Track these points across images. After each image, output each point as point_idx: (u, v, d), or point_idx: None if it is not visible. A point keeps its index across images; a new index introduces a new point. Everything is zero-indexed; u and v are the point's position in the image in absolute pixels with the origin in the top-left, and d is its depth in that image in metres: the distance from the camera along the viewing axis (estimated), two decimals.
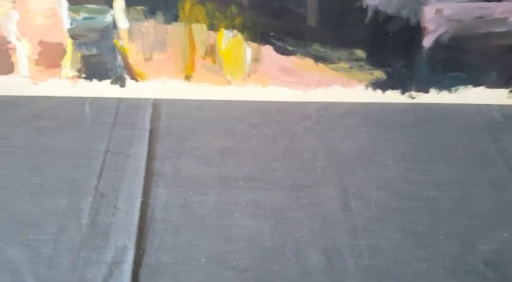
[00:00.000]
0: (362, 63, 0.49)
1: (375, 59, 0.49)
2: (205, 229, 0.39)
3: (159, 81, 0.49)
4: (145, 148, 0.45)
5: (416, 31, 0.47)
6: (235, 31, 0.47)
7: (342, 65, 0.49)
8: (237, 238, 0.38)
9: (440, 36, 0.48)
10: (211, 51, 0.48)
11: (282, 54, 0.48)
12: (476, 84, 0.50)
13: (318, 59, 0.48)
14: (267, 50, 0.48)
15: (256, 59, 0.48)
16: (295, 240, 0.38)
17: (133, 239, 0.38)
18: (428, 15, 0.46)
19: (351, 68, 0.49)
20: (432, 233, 0.39)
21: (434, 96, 0.51)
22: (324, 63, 0.48)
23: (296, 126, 0.48)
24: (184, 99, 0.50)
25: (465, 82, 0.50)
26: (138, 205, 0.40)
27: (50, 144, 0.45)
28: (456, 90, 0.51)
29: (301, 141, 0.47)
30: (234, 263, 0.37)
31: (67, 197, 0.41)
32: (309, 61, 0.48)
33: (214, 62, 0.48)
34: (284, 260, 0.37)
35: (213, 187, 0.42)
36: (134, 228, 0.38)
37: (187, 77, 0.49)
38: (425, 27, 0.47)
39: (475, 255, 0.37)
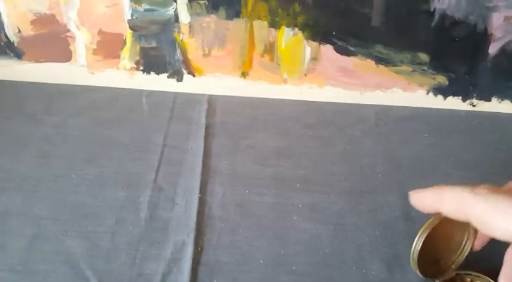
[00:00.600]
0: (425, 67, 0.47)
1: (438, 64, 0.47)
2: (263, 230, 0.38)
3: (215, 77, 0.49)
4: (201, 144, 0.44)
5: (483, 37, 0.45)
6: (296, 29, 0.46)
7: (404, 68, 0.47)
8: (295, 241, 0.38)
9: (507, 44, 0.46)
10: (270, 49, 0.47)
11: (342, 54, 0.47)
12: None
13: (379, 60, 0.47)
14: (327, 50, 0.47)
15: (315, 58, 0.47)
16: (356, 248, 0.37)
17: (192, 236, 0.37)
18: (497, 22, 0.45)
19: (413, 71, 0.47)
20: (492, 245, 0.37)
21: (496, 105, 0.49)
22: (386, 66, 0.47)
23: (353, 129, 0.47)
24: (240, 96, 0.49)
25: None
26: (196, 201, 0.39)
27: (107, 135, 0.45)
28: None
29: (360, 145, 0.45)
30: (293, 267, 0.36)
31: (125, 190, 0.40)
32: (370, 62, 0.47)
33: (272, 59, 0.48)
34: (345, 267, 0.36)
35: (270, 187, 0.41)
36: (193, 225, 0.38)
37: (244, 74, 0.48)
38: (492, 34, 0.45)
39: None
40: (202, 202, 0.40)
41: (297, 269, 0.36)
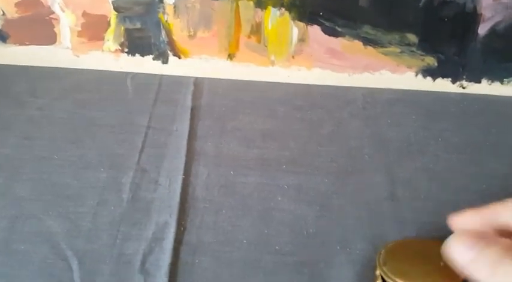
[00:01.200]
0: (413, 49, 0.46)
1: (427, 45, 0.46)
2: (247, 210, 0.38)
3: (201, 59, 0.48)
4: (186, 126, 0.44)
5: (472, 18, 0.45)
6: (283, 9, 0.45)
7: (392, 49, 0.47)
8: (279, 222, 0.37)
9: (497, 24, 0.45)
10: (256, 29, 0.46)
11: (330, 35, 0.46)
12: None
13: (367, 41, 0.46)
14: (315, 31, 0.46)
15: (302, 40, 0.47)
16: (340, 228, 0.37)
17: (175, 216, 0.37)
18: (486, 2, 0.44)
19: (401, 52, 0.47)
20: None
21: (486, 87, 0.48)
22: (374, 47, 0.46)
23: (341, 112, 0.46)
24: (226, 79, 0.49)
25: None
26: (179, 182, 0.39)
27: (91, 117, 0.45)
28: (509, 82, 0.48)
29: (347, 127, 0.45)
30: (277, 247, 0.36)
31: (108, 171, 0.40)
32: (358, 44, 0.46)
33: (259, 41, 0.47)
34: (328, 247, 0.36)
35: (255, 169, 0.41)
36: (176, 205, 0.37)
37: (231, 56, 0.48)
38: (481, 14, 0.45)
39: None
40: (186, 183, 0.39)
41: (280, 249, 0.35)
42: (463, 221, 0.29)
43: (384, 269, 0.30)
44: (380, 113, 0.46)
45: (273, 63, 0.48)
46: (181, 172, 0.40)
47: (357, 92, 0.48)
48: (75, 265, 0.34)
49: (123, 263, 0.34)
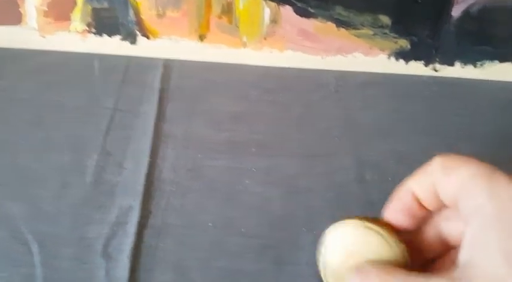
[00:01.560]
0: (386, 31, 0.46)
1: (400, 27, 0.46)
2: (214, 193, 0.37)
3: (171, 40, 0.47)
4: (154, 108, 0.43)
5: None
6: None
7: (365, 31, 0.46)
8: (246, 204, 0.37)
9: (470, 6, 0.45)
10: (228, 9, 0.45)
11: (302, 16, 0.45)
12: (502, 60, 0.48)
13: (340, 23, 0.45)
14: (287, 11, 0.45)
15: (274, 21, 0.46)
16: (307, 210, 0.37)
17: (139, 200, 0.36)
18: None
19: (374, 35, 0.46)
20: None
21: (459, 70, 0.48)
22: (346, 29, 0.46)
23: (313, 95, 0.46)
24: (197, 61, 0.48)
25: (492, 57, 0.47)
26: (145, 165, 0.38)
27: (56, 99, 0.43)
28: (482, 65, 0.48)
29: (318, 110, 0.44)
30: (243, 229, 0.35)
31: (72, 154, 0.39)
32: (331, 25, 0.46)
33: (230, 21, 0.46)
34: (294, 229, 0.35)
35: (224, 152, 0.40)
36: (140, 189, 0.37)
37: (201, 37, 0.47)
38: None
39: None
40: (152, 166, 0.39)
41: (246, 231, 0.35)
42: (391, 211, 0.27)
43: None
44: (352, 96, 0.46)
45: (244, 44, 0.47)
46: (148, 155, 0.39)
47: (329, 75, 0.48)
48: (35, 249, 0.34)
49: (85, 246, 0.34)
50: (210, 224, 0.35)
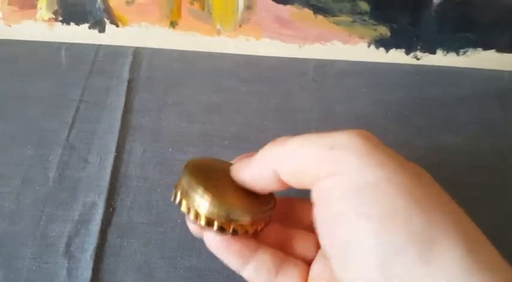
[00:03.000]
0: (366, 17, 0.44)
1: (379, 13, 0.44)
2: None
3: (141, 28, 0.45)
4: (122, 99, 0.41)
5: None
6: None
7: (343, 18, 0.44)
8: None
9: None
10: None
11: (278, 2, 0.43)
12: (486, 47, 0.46)
13: (317, 10, 0.44)
14: None
15: (249, 7, 0.44)
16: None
17: (104, 196, 0.34)
18: None
19: (353, 22, 0.44)
20: None
21: (441, 59, 0.47)
22: (325, 16, 0.44)
23: (290, 85, 0.44)
24: (168, 49, 0.46)
25: (474, 44, 0.46)
26: (111, 160, 0.37)
27: (19, 91, 0.41)
28: (464, 52, 0.46)
29: (295, 101, 0.43)
30: None
31: (34, 148, 0.37)
32: (308, 12, 0.44)
33: (202, 8, 0.44)
34: None
35: (196, 145, 0.39)
36: (105, 185, 0.35)
37: (173, 24, 0.45)
38: None
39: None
40: (118, 161, 0.37)
41: None
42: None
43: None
44: (330, 86, 0.44)
45: (218, 32, 0.45)
46: (114, 149, 0.37)
47: (307, 63, 0.46)
48: None
49: (47, 245, 0.32)
50: (179, 221, 0.34)
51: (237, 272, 0.26)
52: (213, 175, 0.27)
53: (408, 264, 0.19)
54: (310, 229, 0.27)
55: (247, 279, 0.26)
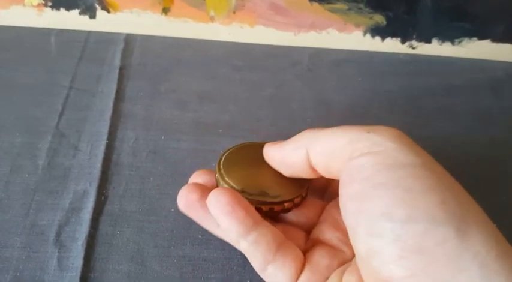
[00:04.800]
0: (361, 5, 0.44)
1: (375, 1, 0.44)
2: (177, 177, 0.35)
3: (133, 13, 0.44)
4: (113, 86, 0.40)
5: None
6: None
7: (339, 5, 0.44)
8: None
9: None
10: None
11: None
12: (481, 37, 0.46)
13: None
14: None
15: None
16: None
17: (95, 184, 0.34)
18: None
19: (349, 9, 0.44)
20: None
21: (436, 48, 0.46)
22: (320, 3, 0.43)
23: (285, 73, 0.44)
24: (161, 36, 0.45)
25: (470, 34, 0.46)
26: (102, 148, 0.36)
27: (7, 77, 0.40)
28: (460, 42, 0.46)
29: (290, 90, 0.42)
30: None
31: (23, 135, 0.36)
32: None
33: None
34: None
35: (189, 133, 0.38)
36: (97, 173, 0.34)
37: (165, 10, 0.44)
38: None
39: None
40: (110, 149, 0.36)
41: None
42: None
43: (222, 171, 0.28)
44: (325, 75, 0.44)
45: (212, 19, 0.45)
46: (105, 137, 0.36)
47: (302, 52, 0.45)
48: None
49: (36, 234, 0.31)
50: (172, 209, 0.33)
51: (234, 244, 0.26)
52: (245, 163, 0.29)
53: (447, 236, 0.20)
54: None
55: (244, 252, 0.25)
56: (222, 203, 0.25)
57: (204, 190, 0.27)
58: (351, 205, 0.23)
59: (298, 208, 0.29)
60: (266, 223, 0.26)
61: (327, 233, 0.27)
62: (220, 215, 0.25)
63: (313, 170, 0.26)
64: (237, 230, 0.25)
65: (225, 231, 0.26)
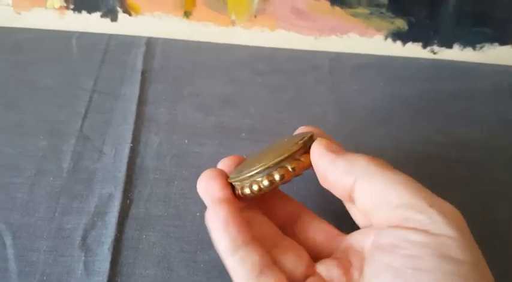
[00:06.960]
0: (383, 10, 0.43)
1: (397, 6, 0.44)
2: None
3: (154, 17, 0.44)
4: (136, 90, 0.40)
5: None
6: None
7: (361, 10, 0.43)
8: None
9: None
10: None
11: None
12: (503, 42, 0.46)
13: (334, 1, 0.43)
14: None
15: None
16: (298, 197, 0.34)
17: (120, 188, 0.34)
18: None
19: (370, 14, 0.44)
20: (448, 197, 0.35)
21: (457, 53, 0.46)
22: (341, 7, 0.43)
23: (306, 77, 0.44)
24: (182, 39, 0.45)
25: (491, 40, 0.46)
26: (126, 151, 0.36)
27: (30, 80, 0.40)
28: (481, 47, 0.46)
29: (311, 94, 0.42)
30: None
31: (47, 138, 0.36)
32: (325, 3, 0.43)
33: None
34: None
35: (212, 137, 0.38)
36: (122, 176, 0.34)
37: (187, 14, 0.44)
38: None
39: (492, 224, 0.33)
40: (134, 152, 0.36)
41: None
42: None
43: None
44: (346, 79, 0.44)
45: (233, 23, 0.44)
46: (129, 140, 0.36)
47: (323, 56, 0.45)
48: (9, 241, 0.31)
49: (62, 238, 0.31)
50: (197, 214, 0.33)
51: (223, 259, 0.25)
52: (256, 157, 0.29)
53: None
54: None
55: (229, 270, 0.25)
56: (219, 218, 0.25)
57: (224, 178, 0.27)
58: (384, 277, 0.21)
59: (310, 229, 0.28)
60: (256, 245, 0.25)
61: (333, 271, 0.25)
62: (214, 229, 0.25)
63: (351, 198, 0.25)
64: (226, 247, 0.25)
65: (215, 244, 0.26)
